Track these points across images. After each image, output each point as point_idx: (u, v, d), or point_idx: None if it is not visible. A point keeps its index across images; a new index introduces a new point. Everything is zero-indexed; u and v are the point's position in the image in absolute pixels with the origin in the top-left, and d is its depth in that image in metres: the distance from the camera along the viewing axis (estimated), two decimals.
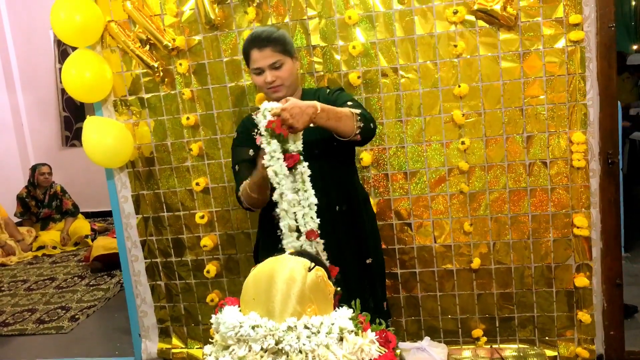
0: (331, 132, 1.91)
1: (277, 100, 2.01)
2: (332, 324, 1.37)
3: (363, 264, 2.20)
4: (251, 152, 2.10)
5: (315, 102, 1.83)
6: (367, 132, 1.99)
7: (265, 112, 1.75)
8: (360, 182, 2.43)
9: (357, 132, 1.93)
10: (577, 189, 2.53)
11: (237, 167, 2.16)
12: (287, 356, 1.32)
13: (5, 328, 3.88)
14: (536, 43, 2.44)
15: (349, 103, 2.05)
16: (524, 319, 2.69)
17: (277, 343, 1.34)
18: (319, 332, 1.35)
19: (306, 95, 2.17)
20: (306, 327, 1.36)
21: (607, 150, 2.48)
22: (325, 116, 1.83)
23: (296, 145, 1.79)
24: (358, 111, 1.95)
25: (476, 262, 2.64)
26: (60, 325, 3.83)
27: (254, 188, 1.96)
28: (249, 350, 1.35)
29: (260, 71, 2.05)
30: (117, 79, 2.79)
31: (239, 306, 1.45)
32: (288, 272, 1.45)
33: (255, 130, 2.07)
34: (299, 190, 1.79)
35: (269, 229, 2.05)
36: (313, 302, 1.43)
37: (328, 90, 2.20)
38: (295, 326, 1.35)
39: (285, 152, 1.76)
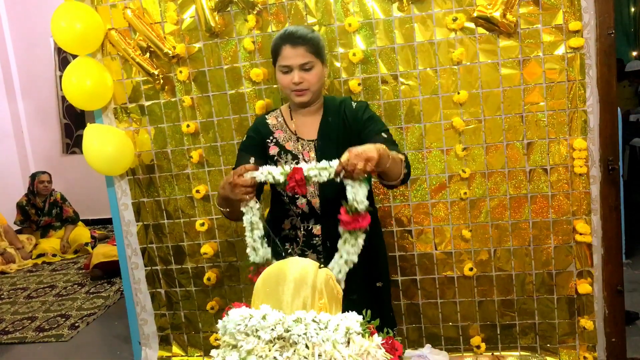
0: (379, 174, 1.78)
1: (300, 105, 1.97)
2: (339, 324, 1.37)
3: (373, 287, 2.13)
4: (252, 160, 1.98)
5: (374, 146, 1.65)
6: (407, 179, 1.88)
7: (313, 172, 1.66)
8: None
9: (402, 178, 1.83)
10: (577, 196, 2.53)
11: None
12: (295, 350, 1.33)
13: (5, 336, 3.87)
14: (536, 50, 2.45)
15: (384, 135, 1.93)
16: (525, 326, 2.68)
17: (285, 331, 1.35)
18: (326, 327, 1.36)
19: (328, 104, 2.06)
20: (314, 321, 1.37)
21: (607, 156, 2.48)
22: (386, 162, 1.68)
23: (360, 203, 1.62)
24: (403, 157, 1.83)
25: (467, 268, 2.64)
26: (60, 333, 3.82)
27: (222, 202, 1.89)
28: (257, 344, 1.36)
29: (288, 70, 1.93)
30: (117, 86, 2.79)
31: (247, 307, 1.47)
32: (300, 267, 1.48)
33: (270, 138, 2.00)
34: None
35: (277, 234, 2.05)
36: (323, 296, 1.45)
37: (355, 105, 2.05)
38: (304, 318, 1.36)
39: (355, 212, 1.62)
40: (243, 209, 1.79)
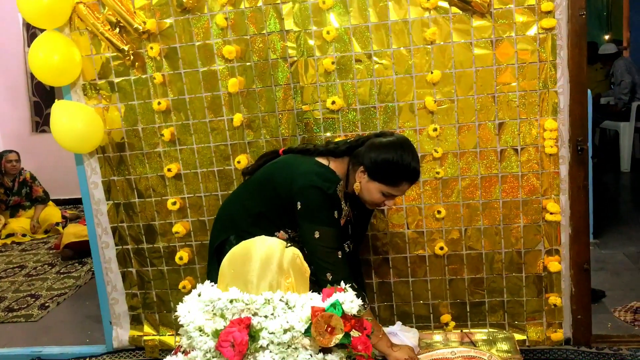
0: None
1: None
2: (305, 303, 1.38)
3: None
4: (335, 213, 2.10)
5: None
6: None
7: None
8: None
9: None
10: (547, 176, 2.56)
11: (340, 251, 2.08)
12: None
13: None
14: (508, 30, 2.45)
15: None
16: (494, 304, 2.72)
17: (253, 315, 1.36)
18: (294, 306, 1.37)
19: None
20: (281, 301, 1.37)
21: (576, 137, 2.51)
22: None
23: None
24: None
25: (437, 247, 2.67)
26: (30, 313, 3.77)
27: None
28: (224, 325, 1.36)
29: (391, 196, 2.11)
30: (86, 62, 2.73)
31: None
32: (266, 247, 1.48)
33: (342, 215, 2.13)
34: None
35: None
36: (290, 276, 1.45)
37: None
38: (272, 299, 1.37)
39: None
40: None
